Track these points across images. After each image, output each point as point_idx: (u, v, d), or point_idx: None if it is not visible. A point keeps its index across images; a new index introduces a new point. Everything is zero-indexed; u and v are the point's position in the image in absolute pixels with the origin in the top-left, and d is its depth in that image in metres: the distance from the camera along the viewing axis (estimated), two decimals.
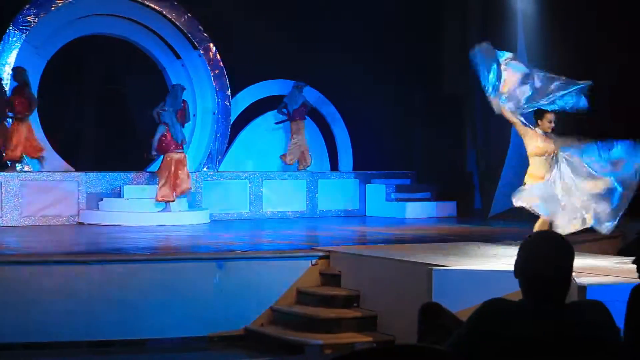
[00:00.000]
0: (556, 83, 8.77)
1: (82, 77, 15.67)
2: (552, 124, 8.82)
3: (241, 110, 16.27)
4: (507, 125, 9.99)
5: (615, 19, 14.22)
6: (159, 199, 13.47)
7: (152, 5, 15.37)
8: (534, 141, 8.76)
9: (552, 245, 3.27)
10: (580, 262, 7.85)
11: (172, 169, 13.49)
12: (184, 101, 13.82)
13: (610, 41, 14.33)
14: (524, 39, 14.92)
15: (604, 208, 8.51)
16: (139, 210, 13.48)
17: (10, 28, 14.10)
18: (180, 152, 13.74)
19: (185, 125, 15.71)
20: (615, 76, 14.16)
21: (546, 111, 8.98)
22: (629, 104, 13.83)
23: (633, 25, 14.04)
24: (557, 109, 8.78)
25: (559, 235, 3.36)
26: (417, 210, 15.39)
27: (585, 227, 8.60)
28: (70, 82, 14.70)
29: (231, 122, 15.93)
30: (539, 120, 8.87)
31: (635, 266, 4.57)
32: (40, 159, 13.83)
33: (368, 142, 16.73)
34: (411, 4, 16.80)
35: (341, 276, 9.04)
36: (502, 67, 8.93)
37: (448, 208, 15.67)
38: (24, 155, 13.72)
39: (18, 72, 13.67)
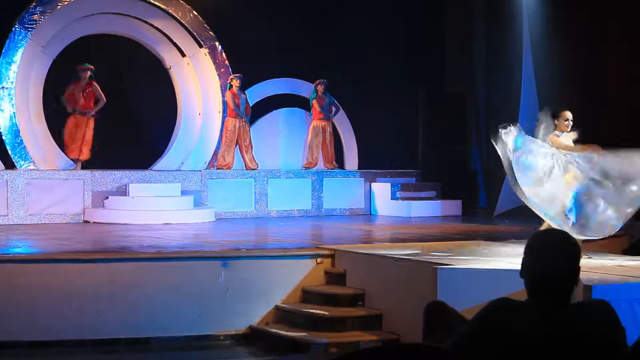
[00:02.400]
0: None
1: None
2: (570, 122, 8.80)
3: None
4: (511, 122, 9.98)
5: (620, 14, 14.21)
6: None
7: (158, 4, 15.38)
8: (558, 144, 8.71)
9: (557, 245, 3.26)
10: (585, 261, 7.86)
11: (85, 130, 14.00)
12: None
13: (615, 39, 14.31)
14: (529, 35, 14.89)
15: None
16: (144, 208, 13.49)
17: (16, 27, 14.12)
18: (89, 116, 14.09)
19: (191, 124, 15.77)
20: (621, 74, 14.14)
21: (564, 109, 8.97)
22: (636, 100, 13.81)
23: (638, 18, 14.02)
24: None
25: (565, 234, 3.35)
26: (423, 209, 15.38)
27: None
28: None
29: None
30: (556, 120, 8.83)
31: None
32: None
33: (373, 141, 16.71)
34: (414, 3, 16.80)
35: (346, 275, 9.04)
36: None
37: (453, 207, 15.66)
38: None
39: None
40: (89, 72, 14.13)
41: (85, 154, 14.05)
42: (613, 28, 14.55)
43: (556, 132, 8.77)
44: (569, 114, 8.81)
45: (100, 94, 14.20)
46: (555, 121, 8.80)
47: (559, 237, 3.31)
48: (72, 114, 14.07)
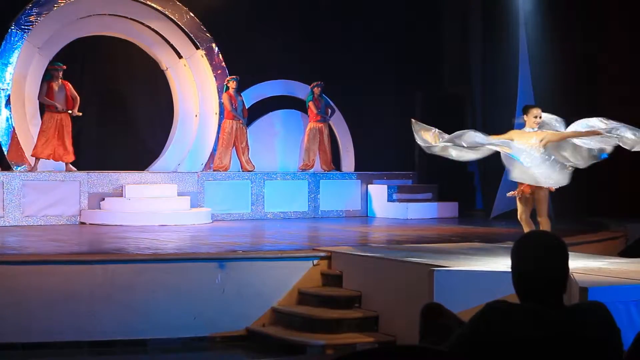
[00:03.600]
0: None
1: (84, 77, 15.67)
2: (538, 119, 8.81)
3: None
4: (508, 124, 10.00)
5: (617, 13, 14.22)
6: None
7: (155, 5, 15.38)
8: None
9: (543, 245, 3.25)
10: (581, 263, 7.86)
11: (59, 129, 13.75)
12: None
13: (611, 38, 14.32)
14: (526, 35, 14.90)
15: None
16: (140, 210, 13.48)
17: (12, 28, 14.11)
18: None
19: (187, 126, 15.77)
20: (618, 73, 14.15)
21: (532, 106, 9.03)
22: (633, 103, 13.82)
23: (635, 20, 14.03)
24: None
25: (551, 235, 3.35)
26: (419, 210, 15.39)
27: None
28: (72, 82, 14.70)
29: None
30: (524, 116, 8.85)
31: None
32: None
33: (370, 142, 16.72)
34: (411, 3, 16.81)
35: (343, 277, 9.04)
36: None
37: (450, 209, 15.67)
38: None
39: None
40: (61, 72, 13.97)
41: (72, 155, 13.94)
42: (609, 27, 14.56)
43: (525, 129, 8.82)
44: (537, 111, 8.83)
45: (74, 92, 14.07)
46: (524, 117, 8.82)
47: (543, 238, 3.30)
48: (50, 112, 13.82)
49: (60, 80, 13.88)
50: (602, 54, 14.63)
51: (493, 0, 15.50)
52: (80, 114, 14.04)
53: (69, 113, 13.85)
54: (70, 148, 13.87)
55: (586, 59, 14.71)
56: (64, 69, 13.94)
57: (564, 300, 3.24)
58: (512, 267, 3.28)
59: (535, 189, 8.86)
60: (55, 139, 13.74)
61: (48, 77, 13.94)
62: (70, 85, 13.98)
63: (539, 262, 3.20)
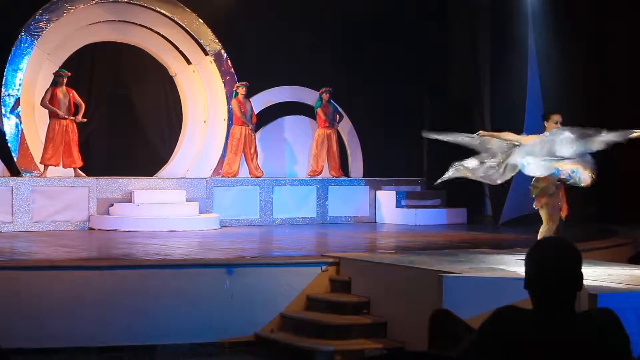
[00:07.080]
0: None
1: (93, 83, 15.71)
2: (559, 125, 8.84)
3: None
4: (517, 130, 10.01)
5: (628, 14, 14.20)
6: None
7: (164, 11, 15.41)
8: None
9: (558, 251, 3.25)
10: (591, 270, 7.85)
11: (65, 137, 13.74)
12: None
13: (622, 43, 14.30)
14: (534, 42, 14.89)
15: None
16: (149, 215, 13.50)
17: (22, 34, 14.16)
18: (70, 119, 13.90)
19: (196, 132, 15.79)
20: (629, 79, 14.13)
21: (553, 112, 9.05)
22: None
23: None
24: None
25: (565, 241, 3.34)
26: (427, 217, 15.37)
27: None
28: (81, 88, 14.76)
29: None
30: (545, 122, 8.92)
31: None
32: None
33: (378, 148, 16.71)
34: (418, 9, 16.82)
35: (351, 283, 9.04)
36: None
37: (458, 215, 15.64)
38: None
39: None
40: (66, 78, 13.97)
41: (78, 161, 13.96)
42: (620, 32, 14.54)
43: (545, 134, 8.88)
44: (558, 117, 8.89)
45: (79, 99, 14.08)
46: (545, 123, 8.91)
47: (560, 245, 3.30)
48: (55, 119, 13.80)
49: (64, 86, 13.91)
50: (613, 58, 14.61)
51: (501, 2, 15.47)
52: (85, 120, 14.09)
53: (73, 119, 13.88)
54: (77, 154, 13.89)
55: (597, 64, 14.69)
56: (68, 75, 13.96)
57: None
58: (525, 272, 3.28)
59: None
60: (62, 146, 13.77)
61: (53, 83, 13.97)
62: (74, 92, 14.01)
63: (556, 270, 3.20)
